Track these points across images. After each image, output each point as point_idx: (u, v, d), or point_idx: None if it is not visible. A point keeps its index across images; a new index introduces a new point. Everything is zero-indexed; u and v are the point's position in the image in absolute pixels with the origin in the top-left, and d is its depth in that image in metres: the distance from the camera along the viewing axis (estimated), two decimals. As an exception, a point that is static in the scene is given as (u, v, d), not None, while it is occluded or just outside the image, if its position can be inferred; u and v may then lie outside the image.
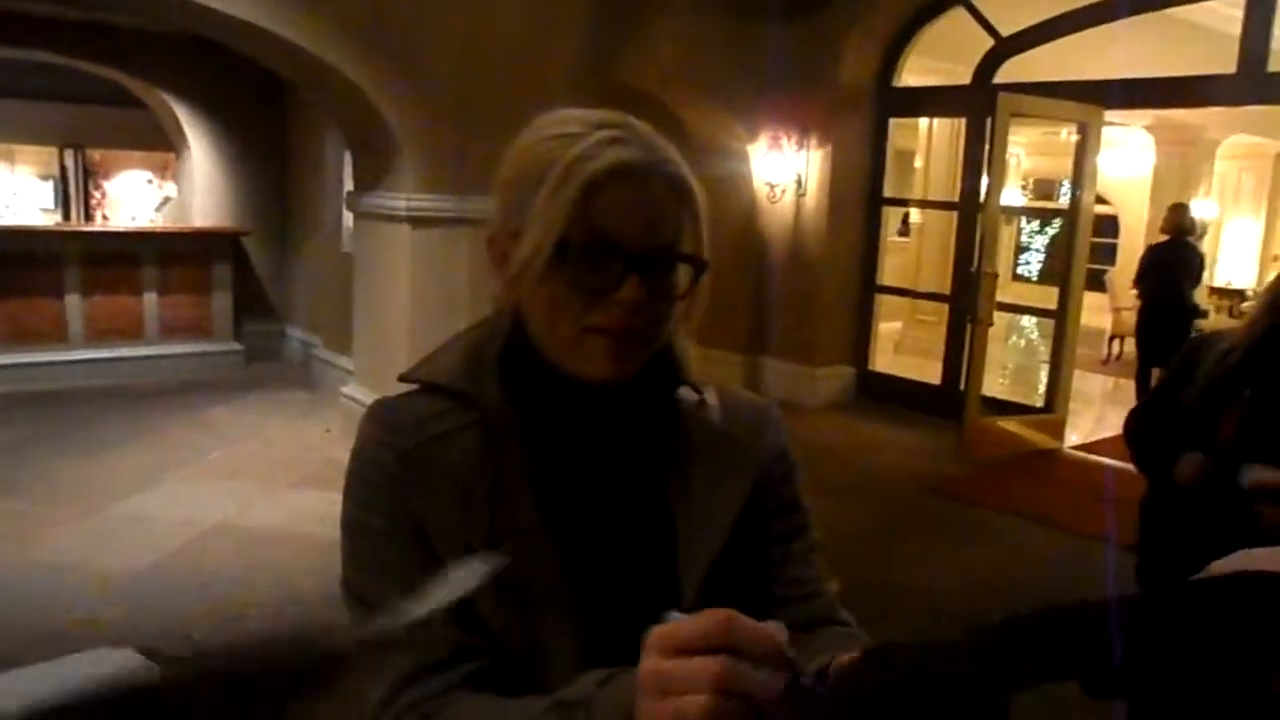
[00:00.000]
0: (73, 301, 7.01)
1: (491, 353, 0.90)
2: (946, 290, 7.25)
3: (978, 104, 6.49)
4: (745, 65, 6.86)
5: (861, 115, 7.07)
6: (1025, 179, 14.25)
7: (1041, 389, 6.98)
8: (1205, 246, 12.10)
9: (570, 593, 0.84)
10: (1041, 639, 0.54)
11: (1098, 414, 7.77)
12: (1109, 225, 12.15)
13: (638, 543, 0.88)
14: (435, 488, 0.85)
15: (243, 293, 7.92)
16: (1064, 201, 8.89)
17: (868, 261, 7.31)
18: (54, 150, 10.12)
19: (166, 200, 9.99)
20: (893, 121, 7.22)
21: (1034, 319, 10.37)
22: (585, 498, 0.88)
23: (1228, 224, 12.58)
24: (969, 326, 6.17)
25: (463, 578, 0.66)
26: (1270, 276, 2.23)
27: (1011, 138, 6.40)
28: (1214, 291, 11.79)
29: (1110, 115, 6.46)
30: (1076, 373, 6.73)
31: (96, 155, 10.42)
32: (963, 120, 7.22)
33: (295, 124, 8.07)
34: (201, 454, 5.47)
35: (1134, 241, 11.77)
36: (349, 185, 6.15)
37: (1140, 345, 7.14)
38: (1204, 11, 6.12)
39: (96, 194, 10.62)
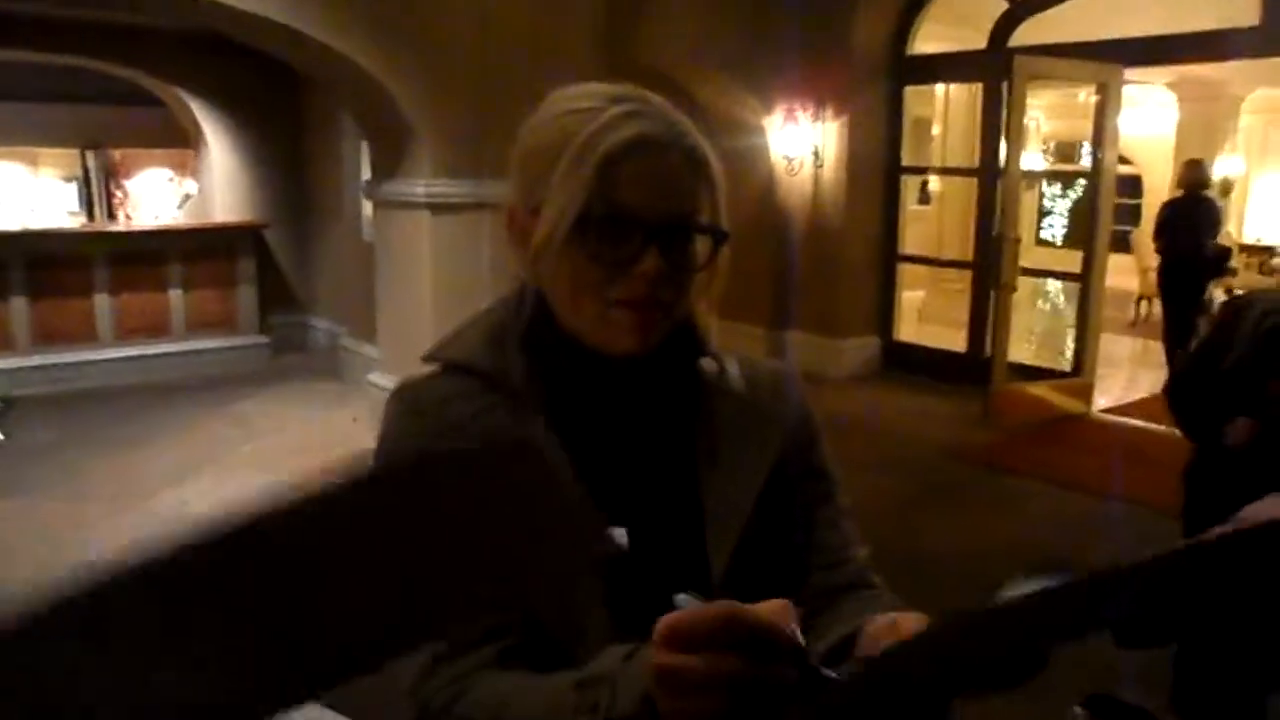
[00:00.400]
0: (101, 301, 7.10)
1: (515, 330, 0.90)
2: (969, 257, 7.20)
3: (994, 68, 6.41)
4: (758, 39, 6.81)
5: (876, 84, 7.01)
6: (1046, 142, 14.06)
7: (1069, 353, 6.93)
8: (1232, 203, 11.95)
9: (597, 574, 0.84)
10: (1073, 598, 0.55)
11: (1127, 377, 7.70)
12: (1132, 185, 11.99)
13: (666, 516, 0.89)
14: None
15: (266, 285, 7.99)
16: (1085, 164, 8.78)
17: (889, 231, 7.27)
18: (76, 152, 10.22)
19: (187, 197, 10.07)
20: (909, 89, 7.16)
21: (1059, 283, 10.26)
22: (612, 472, 0.88)
23: (1255, 180, 12.38)
24: (993, 293, 6.13)
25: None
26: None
27: (1030, 101, 6.33)
28: (1243, 249, 11.62)
29: (1130, 74, 6.37)
30: (1104, 335, 6.68)
31: (117, 155, 10.52)
32: (979, 86, 7.14)
33: (311, 115, 8.11)
34: (233, 447, 5.54)
35: (1158, 201, 11.54)
36: (367, 174, 6.18)
37: (1165, 299, 7.30)
38: (1224, -37, 6.02)
39: (118, 194, 10.72)
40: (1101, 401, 6.51)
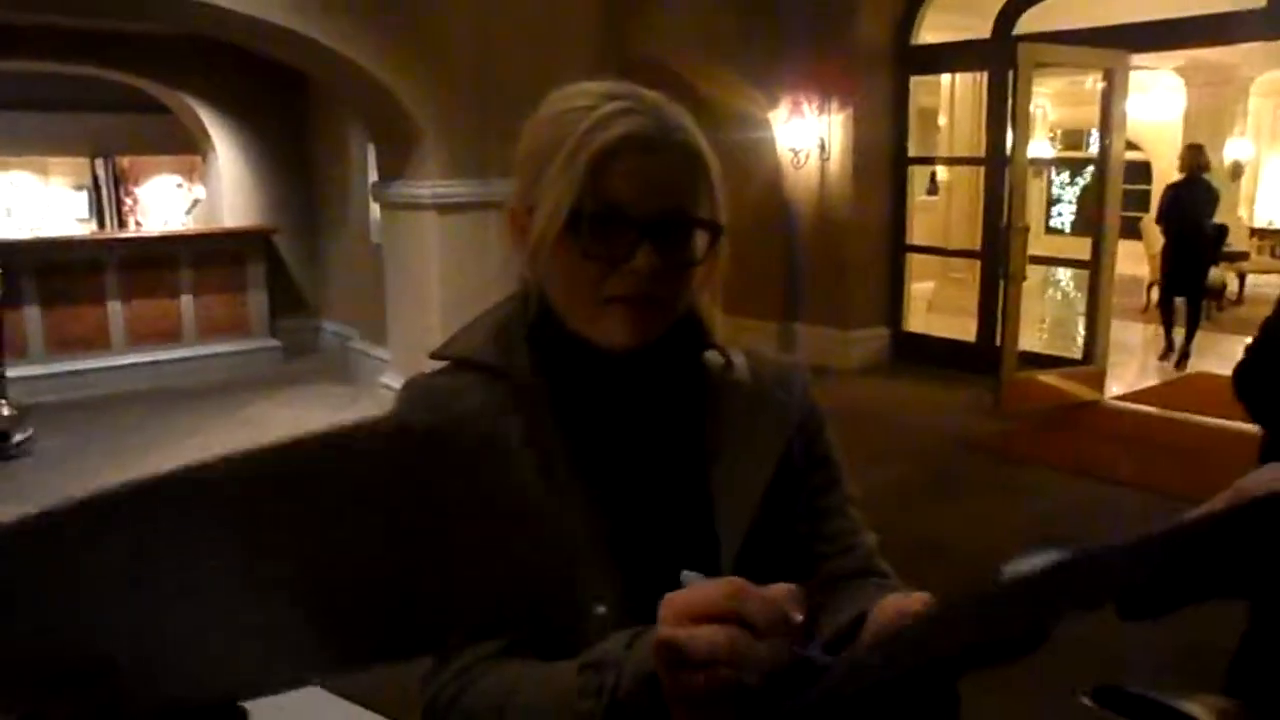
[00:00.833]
0: (113, 308, 7.14)
1: (521, 327, 0.92)
2: (977, 247, 7.19)
3: (999, 57, 6.39)
4: (761, 33, 6.80)
5: (881, 75, 7.00)
6: (1053, 130, 14.01)
7: (1079, 341, 6.91)
8: (1242, 187, 11.88)
9: (609, 559, 0.85)
10: (1079, 570, 0.56)
11: (1139, 363, 7.67)
12: (1141, 171, 11.92)
13: (675, 507, 0.90)
14: (459, 461, 0.86)
15: (277, 289, 8.02)
16: (1093, 150, 8.75)
17: (896, 222, 7.26)
18: (85, 160, 10.26)
19: (196, 203, 10.12)
20: (914, 80, 7.14)
21: (1069, 271, 10.23)
22: (620, 465, 0.89)
23: (1266, 163, 12.30)
24: (1002, 282, 6.12)
25: None
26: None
27: (1036, 89, 6.32)
28: (1254, 233, 11.55)
29: (1137, 59, 6.34)
30: (1116, 323, 6.66)
31: (126, 162, 10.56)
32: (985, 75, 7.12)
33: (318, 119, 8.14)
34: (247, 450, 5.57)
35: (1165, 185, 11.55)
36: (374, 176, 6.20)
37: (1164, 276, 7.59)
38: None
39: (128, 201, 10.76)
40: (1114, 389, 6.49)
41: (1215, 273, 9.92)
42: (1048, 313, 9.92)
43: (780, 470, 0.94)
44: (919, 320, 7.79)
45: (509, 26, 5.17)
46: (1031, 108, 6.30)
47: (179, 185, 10.76)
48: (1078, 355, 6.64)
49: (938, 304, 8.94)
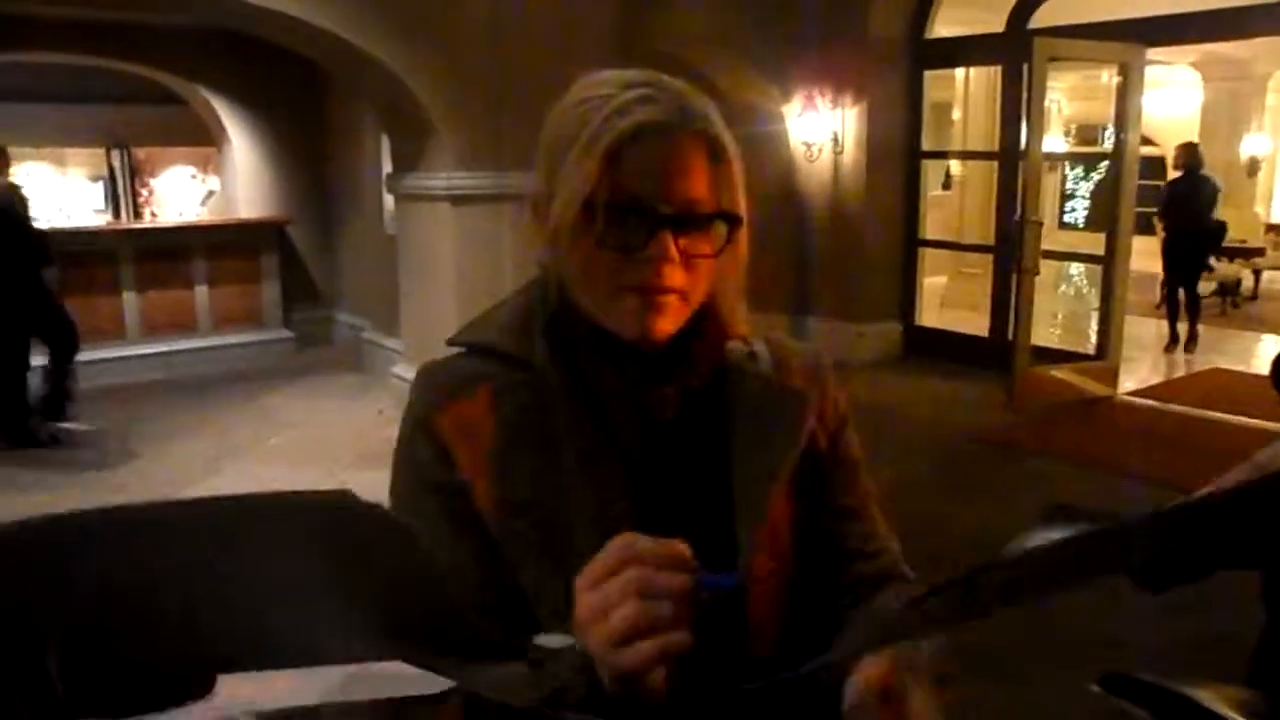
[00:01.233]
0: (129, 298, 7.19)
1: (540, 314, 0.92)
2: (991, 241, 7.16)
3: (1013, 51, 6.37)
4: (775, 26, 6.79)
5: (895, 69, 6.98)
6: (1067, 125, 13.95)
7: (1093, 336, 6.90)
8: (1260, 183, 11.81)
9: None
10: (1094, 542, 0.57)
11: (1153, 359, 7.64)
12: (1156, 167, 11.86)
13: (690, 498, 0.89)
14: (478, 446, 0.87)
15: (290, 280, 8.06)
16: (1108, 146, 8.71)
17: (909, 216, 7.24)
18: (101, 152, 10.33)
19: (211, 194, 10.18)
20: (928, 74, 7.12)
21: (1082, 266, 10.20)
22: (635, 456, 0.88)
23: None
24: (1015, 277, 6.10)
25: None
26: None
27: (1051, 83, 6.29)
28: (1270, 229, 11.48)
29: (1153, 54, 6.31)
30: (1129, 318, 6.64)
31: (141, 154, 10.62)
32: (999, 69, 7.09)
33: (332, 110, 8.17)
34: (260, 441, 5.61)
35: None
36: (388, 168, 6.22)
37: (1167, 269, 7.82)
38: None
39: (144, 192, 10.83)
40: (1127, 384, 6.47)
41: (1230, 268, 9.91)
42: (1061, 308, 9.89)
43: (804, 461, 0.93)
44: (931, 315, 7.78)
45: (523, 19, 5.18)
46: (1046, 102, 6.27)
47: (194, 176, 10.82)
48: (1091, 350, 6.62)
49: (950, 299, 8.92)
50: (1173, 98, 11.58)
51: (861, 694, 0.74)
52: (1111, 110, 6.54)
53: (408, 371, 5.71)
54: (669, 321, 0.86)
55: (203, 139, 8.77)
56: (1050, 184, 12.23)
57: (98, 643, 0.53)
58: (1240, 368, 7.23)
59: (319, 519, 0.55)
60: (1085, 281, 10.70)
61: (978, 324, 7.10)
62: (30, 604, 0.52)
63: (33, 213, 5.60)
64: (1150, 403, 6.15)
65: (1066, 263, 10.31)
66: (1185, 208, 7.50)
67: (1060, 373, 6.24)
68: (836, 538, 0.95)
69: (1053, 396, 6.03)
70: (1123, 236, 6.19)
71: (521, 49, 5.12)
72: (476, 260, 5.22)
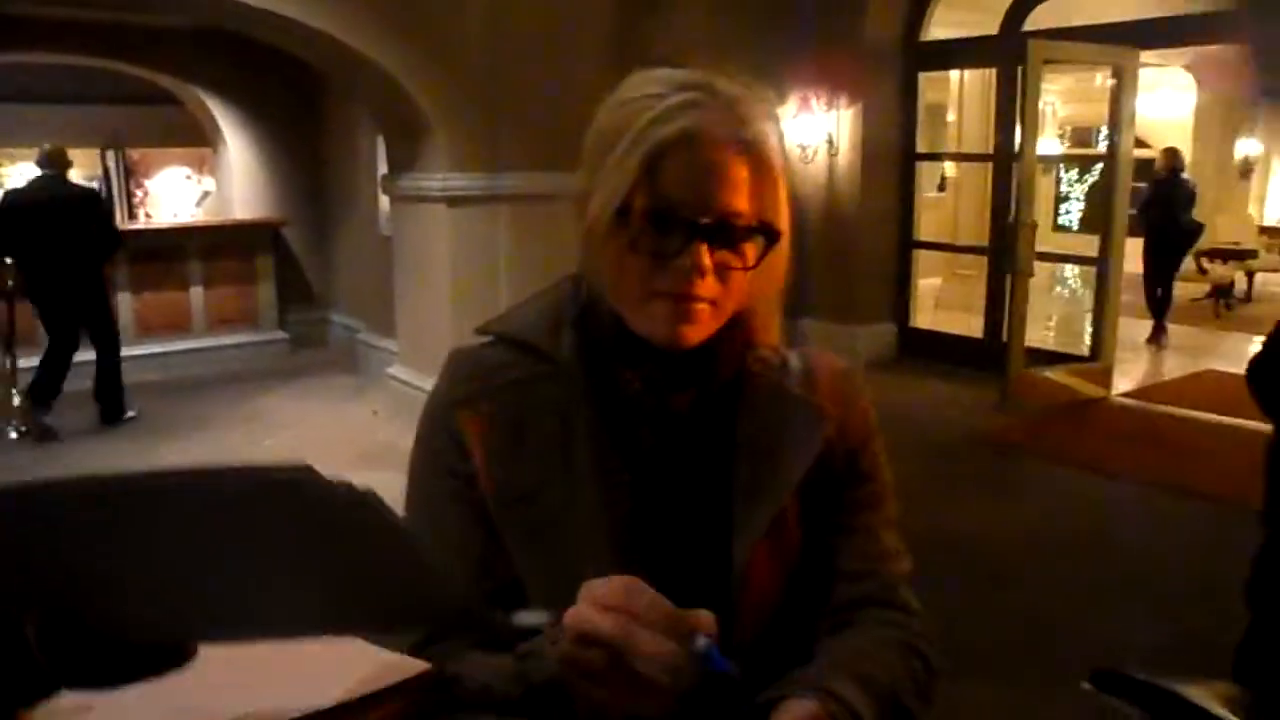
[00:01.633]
0: (124, 299, 7.17)
1: (571, 309, 0.92)
2: (985, 243, 7.18)
3: (1008, 53, 6.39)
4: (771, 28, 6.80)
5: (890, 72, 6.99)
6: (1062, 128, 13.98)
7: (1087, 338, 6.91)
8: (1252, 185, 11.85)
9: (613, 550, 0.85)
10: None
11: (1147, 360, 7.67)
12: (1150, 169, 11.89)
13: (695, 499, 0.89)
14: (491, 435, 0.88)
15: (285, 282, 8.05)
16: (1102, 148, 8.76)
17: (904, 218, 7.26)
18: (96, 152, 10.31)
19: (206, 195, 10.17)
20: (923, 76, 7.13)
21: (1077, 269, 10.23)
22: (645, 457, 0.89)
23: (1275, 161, 12.26)
24: (1009, 278, 6.12)
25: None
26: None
27: (1045, 86, 6.31)
28: (1264, 231, 11.52)
29: (1147, 56, 6.33)
30: (1123, 320, 6.66)
31: (136, 155, 10.61)
32: (994, 71, 7.11)
33: (328, 111, 8.16)
34: (255, 442, 5.60)
35: (1177, 184, 11.51)
36: (383, 169, 6.22)
37: (1146, 267, 8.22)
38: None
39: (138, 193, 10.82)
40: (1122, 385, 6.48)
41: (1224, 270, 9.95)
42: (1055, 310, 9.91)
43: (815, 476, 0.92)
44: (926, 316, 7.79)
45: (520, 21, 5.18)
46: (1040, 105, 6.30)
47: (189, 177, 10.82)
48: (1085, 352, 6.64)
49: (945, 300, 8.94)
50: (1166, 100, 11.62)
51: None
52: (1105, 111, 6.56)
53: (403, 373, 5.71)
54: (698, 330, 0.85)
55: (198, 140, 8.76)
56: (1045, 186, 12.25)
57: (70, 613, 0.54)
58: (1234, 370, 7.22)
59: (280, 493, 0.55)
60: (1079, 283, 10.73)
61: (972, 325, 7.11)
62: (3, 574, 0.53)
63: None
64: (1143, 404, 6.17)
65: (1061, 265, 10.34)
66: (1167, 209, 7.90)
67: (1054, 374, 6.25)
68: (834, 556, 0.94)
69: (1047, 398, 6.04)
70: (1116, 238, 6.21)
71: (517, 51, 5.13)
72: (472, 261, 5.23)
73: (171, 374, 7.12)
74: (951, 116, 9.59)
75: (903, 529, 1.00)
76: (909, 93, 7.10)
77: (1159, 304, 8.17)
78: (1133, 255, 6.92)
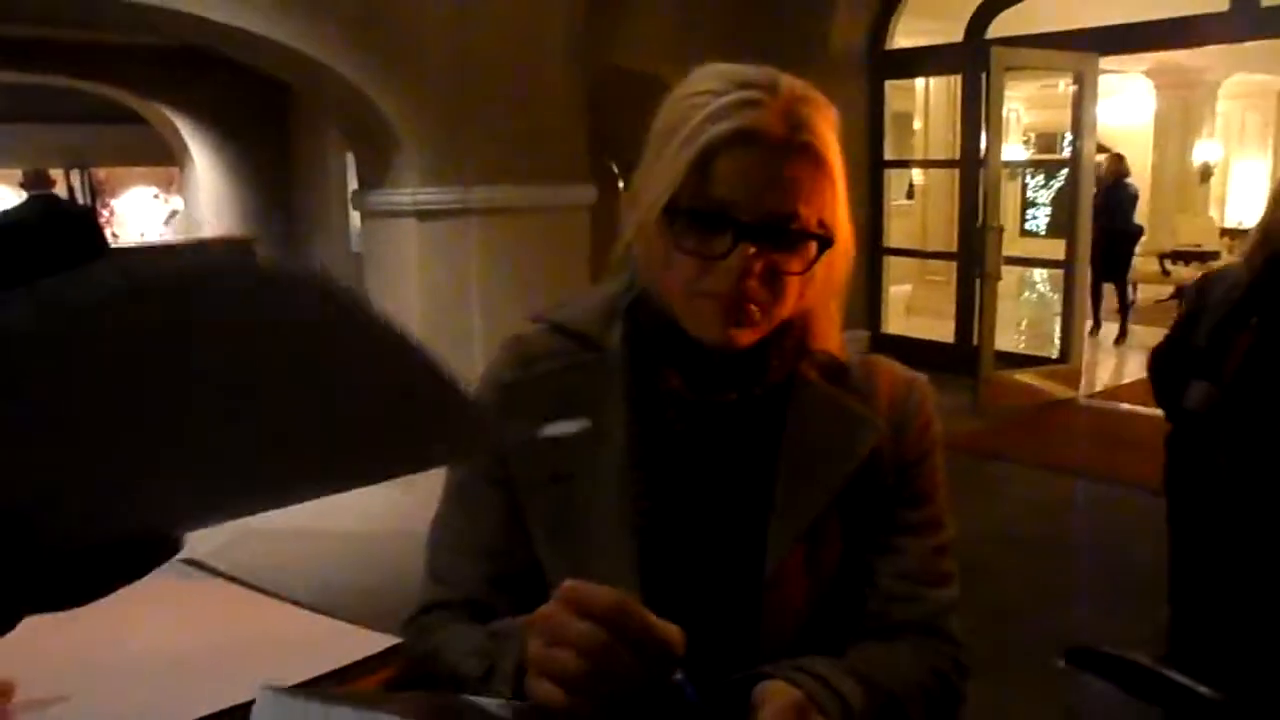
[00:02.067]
0: (91, 319, 7.10)
1: (623, 302, 0.91)
2: (954, 248, 7.26)
3: (972, 60, 6.47)
4: (737, 38, 6.85)
5: (856, 80, 7.06)
6: (1027, 134, 14.17)
7: (1057, 340, 7.00)
8: (1212, 189, 12.06)
9: (635, 544, 0.84)
10: None
11: (1115, 362, 7.77)
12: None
13: (732, 503, 0.87)
14: (527, 419, 0.88)
15: (256, 300, 7.99)
16: (1066, 153, 8.91)
17: (873, 225, 7.32)
18: (60, 172, 10.21)
19: (174, 214, 10.09)
20: (889, 84, 7.21)
21: (1045, 272, 10.36)
22: (683, 456, 0.87)
23: (1235, 165, 12.48)
24: (978, 282, 6.19)
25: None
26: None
27: (1010, 93, 6.40)
28: (1225, 233, 11.71)
29: (1108, 62, 6.44)
30: (1091, 322, 6.76)
31: (101, 174, 10.51)
32: (958, 78, 7.20)
33: (297, 128, 8.13)
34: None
35: (1140, 188, 11.69)
36: (353, 184, 6.20)
37: (1095, 266, 8.38)
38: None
39: (104, 212, 10.70)
40: (1090, 386, 6.57)
41: (1186, 272, 10.11)
42: (1025, 314, 10.03)
43: (860, 487, 0.89)
44: (898, 322, 7.85)
45: (488, 35, 5.19)
46: (1005, 111, 6.39)
47: (156, 196, 10.72)
48: (1054, 354, 6.72)
49: (916, 306, 9.01)
50: (1127, 106, 11.81)
51: None
52: (1069, 118, 6.67)
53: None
54: (747, 333, 0.84)
55: (165, 158, 8.70)
56: (1011, 191, 12.40)
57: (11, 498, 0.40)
58: (1199, 369, 7.36)
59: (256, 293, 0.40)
60: (1048, 287, 10.86)
61: (943, 330, 7.18)
62: None
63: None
64: (1113, 404, 6.25)
65: (1030, 269, 10.46)
66: (1116, 212, 8.24)
67: (1024, 376, 6.32)
68: (874, 574, 0.91)
69: (1017, 400, 6.11)
70: (1081, 242, 6.31)
71: (484, 63, 5.13)
72: (443, 276, 5.22)
73: None
74: (918, 124, 9.68)
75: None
76: (875, 101, 7.17)
77: (1121, 306, 8.53)
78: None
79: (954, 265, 7.24)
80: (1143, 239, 9.07)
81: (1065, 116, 7.12)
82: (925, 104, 9.29)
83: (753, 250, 0.80)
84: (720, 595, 0.85)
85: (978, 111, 6.58)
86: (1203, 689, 0.70)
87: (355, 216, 6.44)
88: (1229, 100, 11.74)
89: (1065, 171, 7.66)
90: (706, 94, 0.82)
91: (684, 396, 0.87)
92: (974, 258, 6.31)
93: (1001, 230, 6.02)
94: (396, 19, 5.04)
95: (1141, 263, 9.88)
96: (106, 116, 8.85)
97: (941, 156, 8.46)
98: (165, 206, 10.66)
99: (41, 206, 0.54)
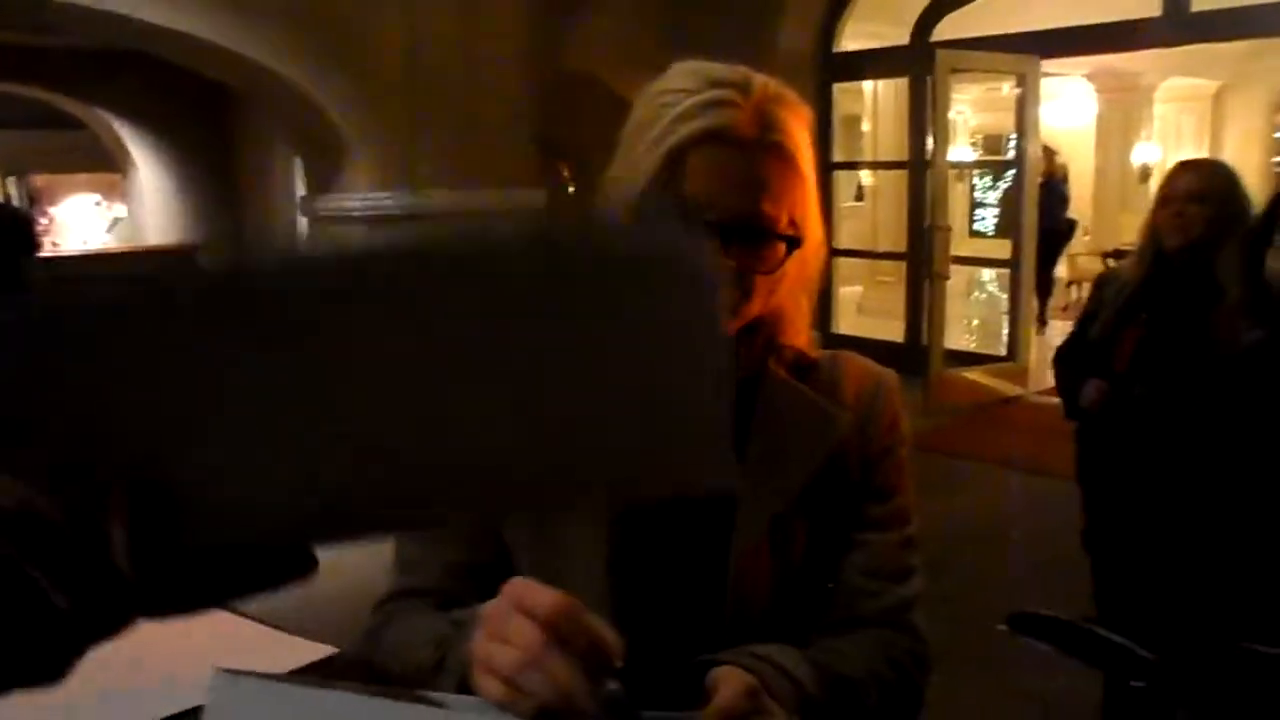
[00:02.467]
0: (30, 330, 6.93)
1: None
2: (903, 249, 7.35)
3: (917, 63, 6.57)
4: (687, 42, 6.88)
5: (804, 83, 7.12)
6: (974, 135, 14.40)
7: (1006, 339, 7.12)
8: (1153, 189, 12.37)
9: (600, 533, 0.84)
10: None
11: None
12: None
13: (692, 501, 0.86)
14: None
15: (203, 308, 7.86)
16: (1012, 155, 9.12)
17: (823, 226, 7.38)
18: (-4, 180, 9.96)
19: (117, 221, 9.88)
20: (837, 87, 7.29)
21: (994, 272, 10.54)
22: None
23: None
24: (926, 282, 6.28)
25: None
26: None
27: (956, 95, 6.51)
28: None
29: (1050, 65, 6.57)
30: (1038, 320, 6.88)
31: (40, 181, 10.26)
32: (905, 80, 7.30)
33: (243, 133, 8.01)
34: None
35: (1083, 189, 11.95)
36: (302, 190, 6.13)
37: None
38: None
39: (43, 221, 10.45)
40: (1038, 383, 6.68)
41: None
42: (975, 313, 10.18)
43: (827, 481, 0.90)
44: (849, 322, 7.93)
45: (437, 39, 5.16)
46: (952, 113, 6.50)
47: (98, 204, 10.49)
48: (1003, 353, 6.83)
49: (867, 306, 9.12)
50: (1071, 109, 12.06)
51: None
52: (1014, 120, 6.80)
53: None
54: None
55: (107, 165, 8.52)
56: (960, 192, 12.61)
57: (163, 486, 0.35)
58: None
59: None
60: (997, 286, 11.04)
61: (894, 330, 7.26)
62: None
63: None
64: (1059, 401, 6.36)
65: (979, 269, 10.63)
66: (1044, 212, 8.51)
67: (973, 375, 6.43)
68: (839, 570, 0.91)
69: (967, 398, 6.20)
70: (1027, 241, 6.43)
71: (436, 68, 5.10)
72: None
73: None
74: (867, 126, 9.80)
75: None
76: (824, 103, 7.24)
77: (1039, 292, 8.94)
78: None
79: (904, 266, 7.34)
80: (1086, 238, 9.36)
81: (1011, 118, 7.26)
82: (873, 106, 9.41)
83: (721, 249, 0.80)
84: (686, 586, 0.85)
85: (924, 113, 6.68)
86: (1140, 650, 0.72)
87: (304, 222, 6.36)
88: (1165, 103, 12.04)
89: (1012, 172, 7.83)
90: (679, 92, 0.82)
91: None
92: (923, 258, 6.40)
93: (949, 230, 6.12)
94: (343, 22, 4.98)
95: (1085, 261, 10.15)
96: (44, 122, 8.64)
97: (890, 158, 8.57)
98: (108, 214, 10.44)
99: None
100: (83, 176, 9.93)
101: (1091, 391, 2.39)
